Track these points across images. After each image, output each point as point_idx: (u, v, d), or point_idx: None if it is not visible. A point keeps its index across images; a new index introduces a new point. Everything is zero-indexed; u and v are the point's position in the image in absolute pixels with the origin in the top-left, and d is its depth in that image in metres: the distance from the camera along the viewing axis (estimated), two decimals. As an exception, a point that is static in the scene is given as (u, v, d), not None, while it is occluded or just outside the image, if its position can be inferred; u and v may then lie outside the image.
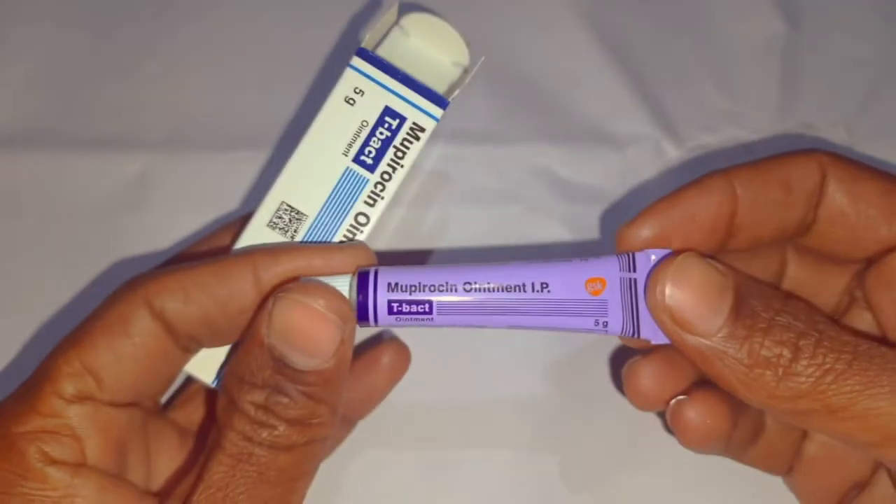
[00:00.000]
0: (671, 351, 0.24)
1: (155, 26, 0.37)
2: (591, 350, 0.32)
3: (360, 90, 0.26)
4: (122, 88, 0.36)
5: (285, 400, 0.21)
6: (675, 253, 0.23)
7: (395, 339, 0.30)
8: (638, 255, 0.23)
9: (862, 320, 0.25)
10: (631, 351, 0.27)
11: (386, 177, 0.26)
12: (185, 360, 0.25)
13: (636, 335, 0.23)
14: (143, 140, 0.35)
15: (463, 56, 0.28)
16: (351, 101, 0.26)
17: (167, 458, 0.25)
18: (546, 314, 0.23)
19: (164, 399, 0.27)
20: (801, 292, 0.26)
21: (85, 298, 0.32)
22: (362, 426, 0.30)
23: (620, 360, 0.32)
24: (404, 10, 0.28)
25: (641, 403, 0.26)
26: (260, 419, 0.21)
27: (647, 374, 0.25)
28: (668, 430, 0.26)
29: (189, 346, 0.24)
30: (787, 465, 0.27)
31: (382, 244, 0.33)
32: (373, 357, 0.29)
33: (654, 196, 0.35)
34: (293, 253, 0.23)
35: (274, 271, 0.23)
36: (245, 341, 0.22)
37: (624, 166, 0.35)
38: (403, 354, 0.30)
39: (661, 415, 0.30)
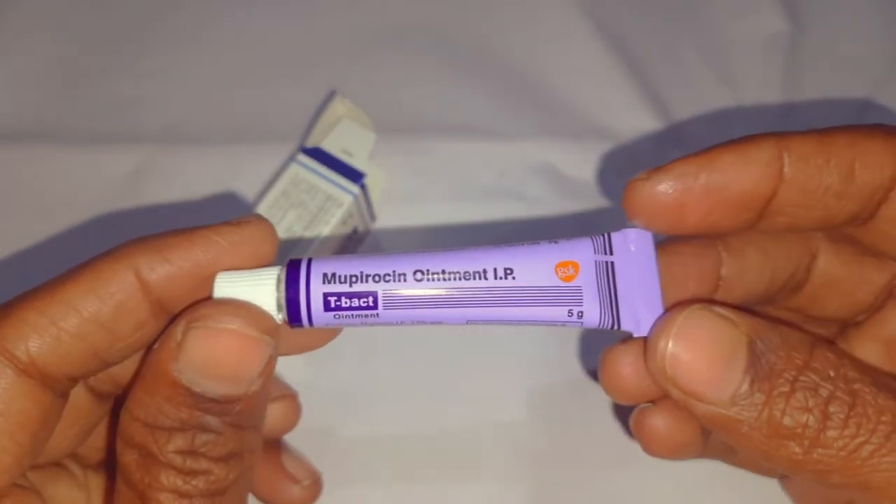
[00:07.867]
0: None
1: (152, 22, 0.37)
2: (574, 366, 0.31)
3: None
4: (120, 83, 0.36)
5: (212, 437, 0.18)
6: (678, 306, 0.19)
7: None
8: (614, 235, 0.20)
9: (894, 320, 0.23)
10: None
11: None
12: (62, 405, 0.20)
13: (616, 327, 0.20)
14: (140, 134, 0.35)
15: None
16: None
17: None
18: (511, 304, 0.19)
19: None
20: (832, 287, 0.23)
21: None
22: (344, 461, 0.29)
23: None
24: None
25: (619, 396, 0.22)
26: (190, 468, 0.18)
27: (627, 363, 0.21)
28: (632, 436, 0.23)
29: (66, 388, 0.19)
30: (778, 470, 0.26)
31: (379, 241, 0.33)
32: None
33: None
34: (183, 243, 0.19)
35: (165, 271, 0.19)
36: (145, 380, 0.18)
37: (626, 163, 0.35)
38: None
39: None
